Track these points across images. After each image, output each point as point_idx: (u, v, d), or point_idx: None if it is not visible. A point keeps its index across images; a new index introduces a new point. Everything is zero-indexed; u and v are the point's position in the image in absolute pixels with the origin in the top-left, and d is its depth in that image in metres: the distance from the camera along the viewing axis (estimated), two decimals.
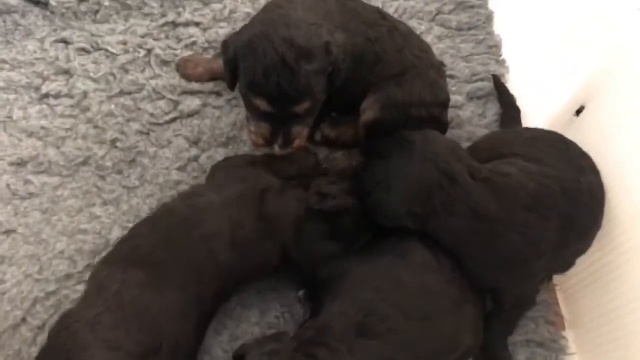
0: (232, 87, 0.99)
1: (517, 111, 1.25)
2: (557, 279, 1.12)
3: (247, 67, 0.91)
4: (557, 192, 0.90)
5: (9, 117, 1.17)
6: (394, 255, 0.91)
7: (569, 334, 1.07)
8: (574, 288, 1.07)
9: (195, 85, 1.25)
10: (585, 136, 0.99)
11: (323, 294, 0.93)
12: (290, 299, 1.04)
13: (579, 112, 1.05)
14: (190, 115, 1.21)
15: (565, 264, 0.99)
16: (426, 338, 0.85)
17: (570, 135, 1.02)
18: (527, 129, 1.17)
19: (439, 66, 1.16)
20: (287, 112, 0.93)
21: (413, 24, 1.38)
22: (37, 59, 1.25)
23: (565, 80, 1.18)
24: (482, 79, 1.33)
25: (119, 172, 1.14)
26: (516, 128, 1.19)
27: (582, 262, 1.04)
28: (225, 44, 0.97)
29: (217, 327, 1.00)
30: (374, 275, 0.90)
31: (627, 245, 0.90)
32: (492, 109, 1.29)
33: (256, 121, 0.97)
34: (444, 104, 1.15)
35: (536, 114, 1.22)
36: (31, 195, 1.10)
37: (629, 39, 0.95)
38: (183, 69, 1.26)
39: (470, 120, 1.27)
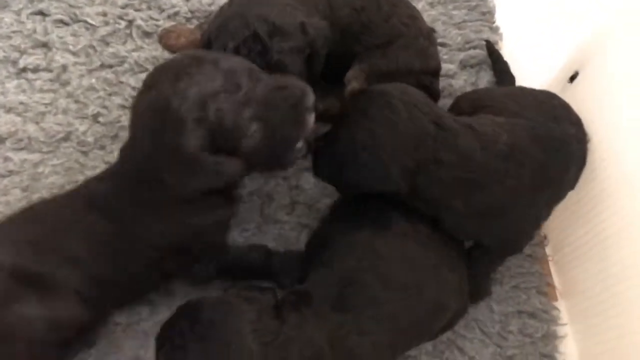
0: None
1: (511, 78, 1.22)
2: (549, 249, 1.11)
3: (221, 43, 0.88)
4: (527, 140, 0.88)
5: None
6: (373, 227, 0.88)
7: (561, 304, 1.06)
8: (566, 258, 1.06)
9: None
10: (579, 103, 0.96)
11: (309, 263, 0.92)
12: None
13: (572, 78, 1.02)
14: None
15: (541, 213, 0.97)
16: (407, 307, 0.83)
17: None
18: (508, 87, 1.15)
19: (430, 33, 1.12)
20: None
21: None
22: (13, 32, 1.20)
23: (559, 47, 1.14)
24: (475, 47, 1.29)
25: (102, 147, 1.10)
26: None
27: (574, 231, 1.03)
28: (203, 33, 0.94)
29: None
30: (354, 247, 0.88)
31: (619, 214, 0.88)
32: (485, 77, 1.26)
33: None
34: (435, 72, 1.12)
35: (531, 82, 1.19)
36: (11, 172, 1.06)
37: (622, 2, 0.92)
38: (166, 40, 1.22)
39: (463, 89, 1.23)
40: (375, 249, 0.87)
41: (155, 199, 0.80)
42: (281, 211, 1.07)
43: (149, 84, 0.77)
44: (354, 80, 1.04)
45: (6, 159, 1.08)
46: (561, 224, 1.06)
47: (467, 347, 0.98)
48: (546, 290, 1.06)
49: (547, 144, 0.89)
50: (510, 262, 1.05)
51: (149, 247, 0.84)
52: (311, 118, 0.81)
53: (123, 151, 0.84)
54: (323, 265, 0.88)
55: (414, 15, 1.10)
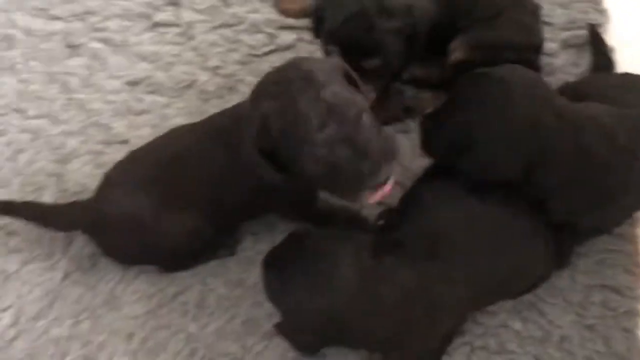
0: (317, 35, 1.03)
1: (610, 62, 1.21)
2: None
3: (330, 15, 0.95)
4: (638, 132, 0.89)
5: (125, 41, 1.29)
6: (471, 191, 0.92)
7: None
8: None
9: (291, 21, 1.31)
10: None
11: (401, 217, 0.98)
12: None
13: None
14: (286, 48, 1.28)
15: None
16: (492, 265, 0.88)
17: None
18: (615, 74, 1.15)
19: (535, 9, 1.15)
20: (356, 66, 0.90)
21: None
22: None
23: None
24: (579, 27, 1.29)
25: (220, 97, 1.23)
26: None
27: None
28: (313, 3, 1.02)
29: None
30: (450, 205, 0.92)
31: None
32: (587, 58, 1.25)
33: None
34: (537, 48, 1.14)
35: (636, 66, 1.18)
36: (143, 111, 1.22)
37: None
38: (281, 4, 1.32)
39: (563, 68, 1.24)
40: (468, 209, 0.91)
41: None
42: None
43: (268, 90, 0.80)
44: (457, 50, 1.09)
45: (139, 99, 1.23)
46: None
47: (547, 310, 1.01)
48: (635, 270, 1.06)
49: None
50: (598, 237, 1.07)
51: (253, 180, 0.91)
52: (373, 194, 0.81)
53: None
54: (416, 219, 0.93)
55: None
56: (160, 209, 0.94)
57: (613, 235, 1.08)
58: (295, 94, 0.73)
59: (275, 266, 0.87)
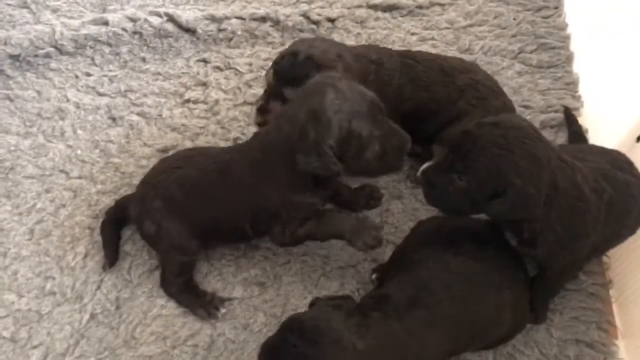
0: None
1: (584, 139, 1.37)
2: (613, 292, 1.20)
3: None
4: (602, 179, 1.01)
5: (159, 115, 1.51)
6: (446, 246, 1.05)
7: (620, 343, 1.14)
8: (629, 301, 1.15)
9: None
10: None
11: (389, 272, 1.11)
12: (366, 278, 1.23)
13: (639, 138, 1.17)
14: None
15: (605, 246, 1.09)
16: (467, 313, 0.98)
17: (633, 159, 1.13)
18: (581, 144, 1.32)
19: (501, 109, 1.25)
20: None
21: (496, 60, 1.56)
22: (183, 73, 1.59)
23: (630, 112, 1.28)
24: (556, 111, 1.46)
25: None
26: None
27: (636, 275, 1.13)
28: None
29: (303, 293, 1.21)
30: (428, 260, 1.04)
31: None
32: (563, 137, 1.41)
33: None
34: None
35: (606, 142, 1.32)
36: None
37: None
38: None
39: None
40: (445, 264, 1.03)
41: (274, 172, 1.08)
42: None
43: (307, 94, 1.04)
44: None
45: None
46: (625, 268, 1.17)
47: None
48: (607, 327, 1.15)
49: (614, 184, 1.03)
50: (572, 296, 1.17)
51: (250, 207, 1.14)
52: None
53: (257, 135, 1.16)
54: (401, 273, 1.06)
55: (483, 97, 1.25)
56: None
57: (586, 294, 1.18)
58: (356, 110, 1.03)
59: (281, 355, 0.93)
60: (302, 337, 0.89)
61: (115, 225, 1.28)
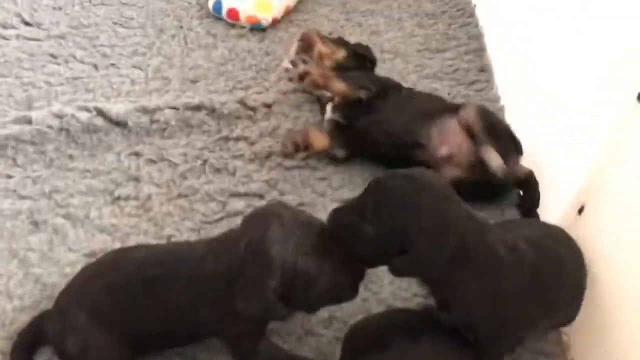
0: None
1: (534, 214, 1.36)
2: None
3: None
4: (524, 243, 0.97)
5: (86, 216, 1.40)
6: (406, 340, 0.99)
7: None
8: None
9: (241, 189, 1.45)
10: (586, 234, 1.07)
11: None
12: None
13: (580, 211, 1.15)
14: (235, 214, 1.40)
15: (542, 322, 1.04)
16: None
17: (575, 233, 1.11)
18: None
19: None
20: None
21: None
22: (113, 168, 1.50)
23: (571, 183, 1.28)
24: None
25: None
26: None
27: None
28: None
29: None
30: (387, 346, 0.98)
31: (627, 342, 0.94)
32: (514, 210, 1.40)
33: None
34: None
35: (549, 216, 1.32)
36: None
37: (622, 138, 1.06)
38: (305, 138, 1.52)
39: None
40: (403, 349, 0.97)
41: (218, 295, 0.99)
42: (319, 325, 1.19)
43: (249, 224, 0.98)
44: None
45: None
46: (588, 348, 1.11)
47: None
48: None
49: (543, 252, 1.00)
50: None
51: (195, 318, 1.02)
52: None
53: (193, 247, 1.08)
54: None
55: None
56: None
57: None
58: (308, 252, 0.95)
59: None
60: None
61: (27, 351, 1.13)
